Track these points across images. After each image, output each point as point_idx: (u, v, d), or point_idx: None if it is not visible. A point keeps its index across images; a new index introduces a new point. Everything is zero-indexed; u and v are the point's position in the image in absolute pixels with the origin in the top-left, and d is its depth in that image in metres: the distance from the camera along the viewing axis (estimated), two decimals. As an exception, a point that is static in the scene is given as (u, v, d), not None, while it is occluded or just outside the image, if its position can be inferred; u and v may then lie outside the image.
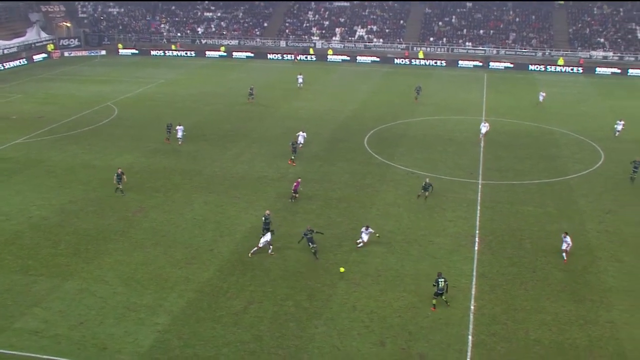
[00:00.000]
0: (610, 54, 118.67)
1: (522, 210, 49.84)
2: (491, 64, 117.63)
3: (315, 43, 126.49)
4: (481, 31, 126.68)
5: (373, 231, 43.13)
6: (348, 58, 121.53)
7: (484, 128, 67.83)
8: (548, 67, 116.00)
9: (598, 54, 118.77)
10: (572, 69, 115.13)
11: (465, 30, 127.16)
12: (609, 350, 32.83)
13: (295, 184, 51.02)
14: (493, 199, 51.90)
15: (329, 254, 41.90)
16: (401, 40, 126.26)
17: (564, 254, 41.41)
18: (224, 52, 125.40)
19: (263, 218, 43.50)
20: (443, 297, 35.79)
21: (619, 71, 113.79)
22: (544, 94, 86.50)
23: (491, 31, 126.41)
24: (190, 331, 33.54)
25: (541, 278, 39.62)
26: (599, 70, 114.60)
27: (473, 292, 37.73)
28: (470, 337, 33.57)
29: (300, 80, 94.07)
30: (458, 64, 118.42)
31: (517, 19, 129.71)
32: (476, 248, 43.27)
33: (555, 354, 32.44)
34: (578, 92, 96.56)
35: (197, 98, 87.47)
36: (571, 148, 66.15)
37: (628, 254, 43.21)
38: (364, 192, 53.00)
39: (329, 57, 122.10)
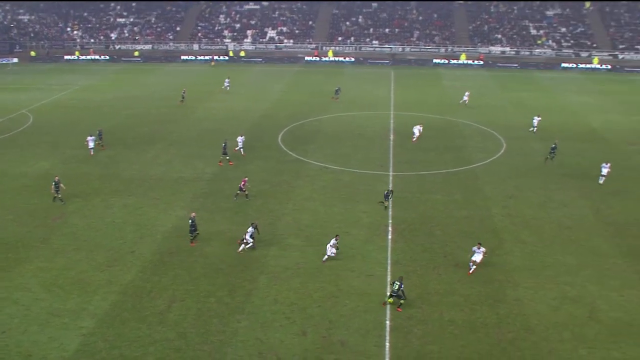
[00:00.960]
0: (508, 49, 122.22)
1: (432, 199, 50.74)
2: (397, 60, 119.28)
3: (227, 45, 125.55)
4: (387, 30, 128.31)
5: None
6: (261, 59, 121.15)
7: (417, 130, 66.53)
8: (451, 61, 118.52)
9: (496, 49, 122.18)
10: (473, 63, 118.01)
11: (371, 30, 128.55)
12: (516, 326, 33.82)
13: (242, 182, 50.55)
14: (404, 190, 52.63)
15: (248, 250, 41.66)
16: (311, 40, 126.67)
17: (471, 264, 39.30)
18: (138, 56, 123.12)
19: (190, 220, 42.89)
20: (401, 300, 35.36)
21: (516, 65, 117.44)
22: (468, 93, 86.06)
23: (396, 30, 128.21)
24: (115, 333, 32.83)
25: (452, 262, 40.44)
26: (498, 64, 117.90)
27: (388, 279, 38.18)
28: (388, 322, 33.98)
29: (227, 83, 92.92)
30: (366, 61, 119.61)
31: (420, 18, 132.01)
32: (390, 237, 43.82)
33: (468, 332, 33.22)
34: (480, 86, 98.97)
35: (114, 103, 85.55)
36: (475, 138, 67.74)
37: (530, 235, 44.58)
38: (280, 188, 52.94)
39: (242, 58, 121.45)
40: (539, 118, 71.40)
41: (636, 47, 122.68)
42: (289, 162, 59.34)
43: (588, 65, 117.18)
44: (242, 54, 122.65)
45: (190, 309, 34.90)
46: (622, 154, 63.57)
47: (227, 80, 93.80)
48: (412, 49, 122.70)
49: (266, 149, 63.26)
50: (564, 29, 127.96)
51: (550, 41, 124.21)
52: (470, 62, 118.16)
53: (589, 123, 75.66)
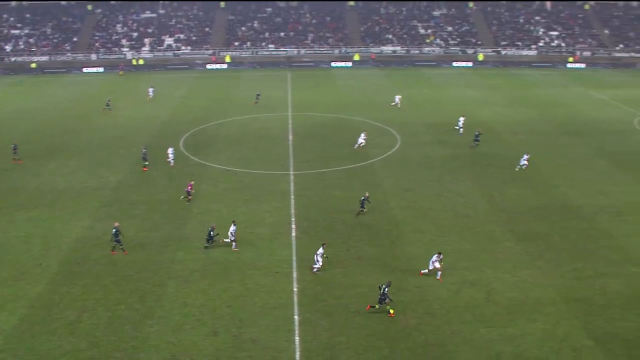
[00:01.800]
0: (399, 48, 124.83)
1: (332, 196, 51.37)
2: (293, 63, 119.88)
3: (125, 54, 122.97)
4: (282, 33, 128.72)
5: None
6: (160, 67, 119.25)
7: (362, 139, 64.47)
8: (346, 63, 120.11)
9: (388, 48, 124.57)
10: (365, 63, 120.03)
11: (267, 34, 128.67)
12: (419, 312, 34.80)
13: (188, 186, 50.36)
14: (305, 188, 53.08)
15: (156, 255, 41.12)
16: (208, 46, 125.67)
17: (439, 273, 38.33)
18: (36, 68, 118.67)
19: (113, 230, 41.69)
20: (387, 305, 34.86)
21: (407, 63, 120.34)
22: (399, 97, 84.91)
23: (291, 33, 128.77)
24: (25, 347, 31.76)
25: (355, 255, 41.14)
26: (389, 62, 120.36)
27: (295, 276, 38.49)
28: (296, 317, 34.26)
29: (151, 91, 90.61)
30: (262, 65, 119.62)
31: (314, 21, 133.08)
32: (293, 234, 44.14)
33: (373, 321, 33.94)
34: (374, 84, 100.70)
35: (13, 115, 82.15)
36: (371, 134, 68.89)
37: (428, 225, 45.84)
38: (185, 192, 52.29)
39: (140, 66, 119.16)
40: (464, 118, 71.89)
41: (517, 43, 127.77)
42: (192, 167, 58.75)
43: (473, 63, 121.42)
44: (141, 62, 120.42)
45: (101, 318, 34.16)
46: (509, 144, 66.12)
47: (151, 88, 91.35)
48: (307, 52, 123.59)
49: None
50: (450, 28, 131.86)
51: (438, 40, 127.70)
52: (364, 62, 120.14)
53: (479, 116, 78.28)
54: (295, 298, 36.10)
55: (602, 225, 46.39)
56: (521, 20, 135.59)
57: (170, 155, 59.22)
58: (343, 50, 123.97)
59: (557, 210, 49.01)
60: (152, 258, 40.80)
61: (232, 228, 41.98)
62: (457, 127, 70.62)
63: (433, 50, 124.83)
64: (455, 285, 37.51)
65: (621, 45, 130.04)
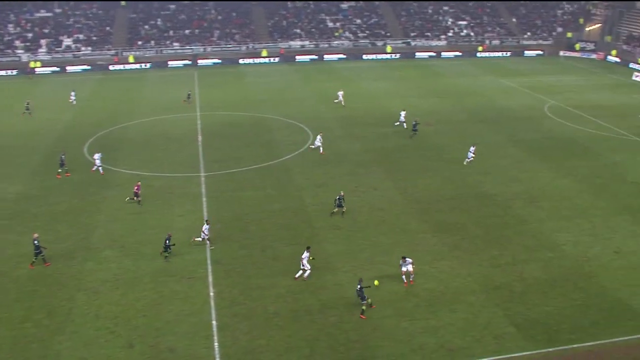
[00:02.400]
0: (307, 42, 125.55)
1: (244, 196, 51.35)
2: (200, 61, 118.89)
3: (20, 57, 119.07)
4: (187, 31, 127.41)
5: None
6: (58, 69, 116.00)
7: (318, 141, 62.77)
8: (254, 59, 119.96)
9: (296, 43, 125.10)
10: (274, 59, 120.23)
11: (171, 32, 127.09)
12: (339, 310, 35.29)
13: (135, 187, 50.21)
14: (216, 189, 52.85)
15: (63, 268, 40.13)
16: (110, 46, 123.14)
17: (411, 276, 38.26)
18: None
19: (34, 242, 40.50)
20: (362, 305, 35.10)
21: (316, 57, 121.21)
22: (341, 92, 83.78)
23: (196, 30, 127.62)
24: None
25: (271, 256, 41.31)
26: (299, 58, 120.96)
27: (210, 280, 38.36)
28: (214, 322, 34.18)
29: (73, 96, 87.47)
30: (168, 64, 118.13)
31: (220, 17, 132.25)
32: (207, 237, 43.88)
33: (293, 322, 34.20)
34: (283, 80, 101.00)
35: None
36: (283, 132, 69.19)
37: (344, 220, 46.46)
38: (90, 200, 51.19)
39: (36, 69, 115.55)
40: (405, 112, 72.34)
41: (426, 34, 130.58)
42: (98, 172, 57.43)
43: (385, 55, 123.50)
44: (38, 64, 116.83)
45: (5, 338, 33.09)
46: (422, 134, 67.61)
47: (72, 92, 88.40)
48: (214, 49, 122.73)
49: (72, 161, 60.29)
50: (359, 21, 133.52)
51: (347, 33, 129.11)
52: (272, 59, 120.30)
53: (390, 108, 79.68)
54: (212, 303, 35.99)
55: (516, 212, 48.14)
56: (430, 11, 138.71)
57: (97, 162, 57.49)
58: (250, 47, 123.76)
59: (472, 199, 50.55)
60: (59, 271, 39.81)
61: (205, 227, 42.45)
62: (399, 122, 71.15)
63: (342, 44, 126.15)
64: (374, 280, 38.17)
65: (528, 34, 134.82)
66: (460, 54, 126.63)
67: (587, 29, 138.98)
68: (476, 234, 44.52)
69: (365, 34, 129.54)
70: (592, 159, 60.79)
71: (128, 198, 50.38)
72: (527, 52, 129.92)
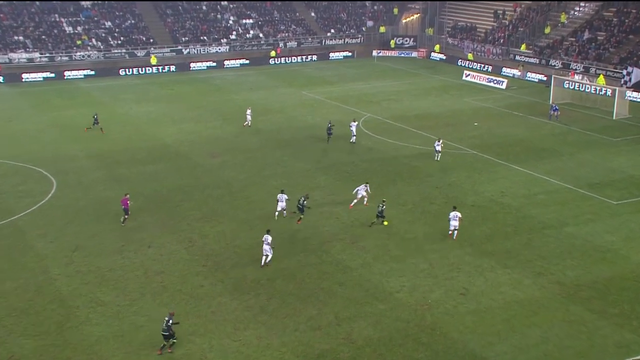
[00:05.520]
0: (37, 54, 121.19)
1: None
2: None
3: None
4: None
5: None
6: None
7: (362, 191, 60.60)
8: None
9: (20, 56, 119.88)
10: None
11: None
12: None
13: (125, 201, 54.66)
14: None
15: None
16: None
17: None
18: None
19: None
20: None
21: (53, 75, 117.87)
22: (249, 110, 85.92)
23: None
24: None
25: (6, 356, 39.43)
26: (27, 76, 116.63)
27: None
28: None
29: None
30: None
31: None
32: None
33: None
34: (6, 107, 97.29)
35: None
36: (11, 180, 66.36)
37: (109, 292, 45.21)
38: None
39: None
40: (356, 123, 76.34)
41: (202, 38, 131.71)
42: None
43: (149, 69, 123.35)
44: None
45: None
46: (207, 169, 67.87)
47: None
48: None
49: None
50: (109, 24, 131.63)
51: (94, 40, 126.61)
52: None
53: (161, 138, 79.46)
54: None
55: (335, 257, 49.46)
56: (204, 8, 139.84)
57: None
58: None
59: (278, 245, 51.03)
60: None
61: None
62: (353, 137, 76.46)
63: (89, 56, 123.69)
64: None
65: (332, 31, 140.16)
66: (248, 61, 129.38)
67: (403, 20, 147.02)
68: (287, 290, 45.07)
69: (119, 42, 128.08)
70: (423, 182, 64.00)
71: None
72: (333, 55, 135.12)
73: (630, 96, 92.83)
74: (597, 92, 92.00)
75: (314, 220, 55.69)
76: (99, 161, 71.88)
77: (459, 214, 52.25)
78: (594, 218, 56.83)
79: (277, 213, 56.46)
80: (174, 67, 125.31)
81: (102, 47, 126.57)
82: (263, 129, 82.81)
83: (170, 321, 38.18)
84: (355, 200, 57.93)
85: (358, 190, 57.92)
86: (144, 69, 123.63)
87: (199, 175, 66.59)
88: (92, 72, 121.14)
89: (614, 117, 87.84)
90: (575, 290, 44.91)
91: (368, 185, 58.64)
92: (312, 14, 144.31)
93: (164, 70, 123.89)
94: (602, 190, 62.51)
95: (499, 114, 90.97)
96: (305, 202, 55.43)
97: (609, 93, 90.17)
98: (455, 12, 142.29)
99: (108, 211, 58.68)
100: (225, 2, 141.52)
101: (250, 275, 47.21)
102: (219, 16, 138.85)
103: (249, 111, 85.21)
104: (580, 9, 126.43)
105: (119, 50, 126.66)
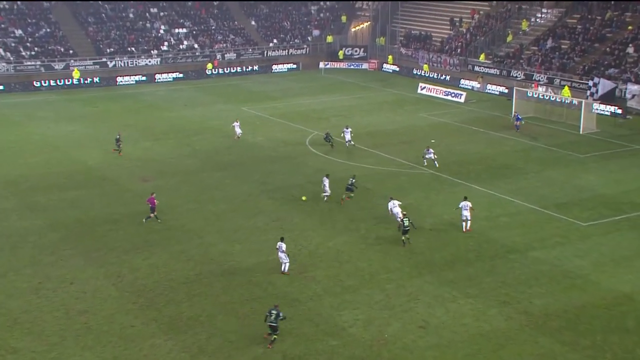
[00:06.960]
0: None
1: None
2: None
3: None
4: None
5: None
6: None
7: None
8: None
9: None
10: None
11: None
12: None
13: (151, 199, 59.35)
14: None
15: None
16: None
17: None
18: None
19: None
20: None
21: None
22: (238, 123, 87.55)
23: None
24: None
25: None
26: None
27: None
28: None
29: None
30: None
31: None
32: None
33: None
34: None
35: None
36: None
37: (22, 337, 43.86)
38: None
39: None
40: (350, 129, 79.27)
41: (130, 49, 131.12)
42: None
43: (70, 83, 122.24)
44: None
45: None
46: (139, 194, 67.38)
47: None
48: None
49: None
50: (19, 32, 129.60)
51: (2, 50, 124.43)
52: None
53: (84, 161, 78.76)
54: None
55: (282, 290, 49.00)
56: (131, 15, 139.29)
57: None
58: None
59: (218, 278, 50.94)
60: None
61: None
62: (348, 142, 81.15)
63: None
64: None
65: (275, 41, 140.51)
66: (181, 75, 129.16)
67: (352, 29, 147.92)
68: (229, 327, 44.69)
69: (33, 53, 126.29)
70: (375, 205, 64.09)
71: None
72: (276, 67, 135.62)
73: (597, 109, 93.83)
74: (563, 104, 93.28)
75: (256, 250, 55.45)
76: (10, 188, 70.87)
77: (469, 204, 57.53)
78: (561, 241, 57.27)
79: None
80: (97, 79, 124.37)
81: (12, 58, 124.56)
82: (200, 150, 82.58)
83: (281, 314, 41.77)
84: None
85: (391, 208, 59.16)
86: (62, 80, 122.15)
87: (128, 202, 66.05)
88: (1, 87, 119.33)
89: (581, 132, 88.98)
90: (544, 320, 45.08)
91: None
92: (253, 23, 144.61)
93: (86, 83, 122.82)
94: (569, 211, 63.07)
95: (457, 130, 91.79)
96: (354, 181, 64.14)
97: (575, 103, 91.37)
98: (408, 19, 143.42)
99: (22, 244, 57.74)
100: (155, 10, 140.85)
101: (187, 312, 46.76)
102: (148, 25, 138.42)
103: (237, 123, 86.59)
104: (543, 15, 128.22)
105: (33, 63, 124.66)
